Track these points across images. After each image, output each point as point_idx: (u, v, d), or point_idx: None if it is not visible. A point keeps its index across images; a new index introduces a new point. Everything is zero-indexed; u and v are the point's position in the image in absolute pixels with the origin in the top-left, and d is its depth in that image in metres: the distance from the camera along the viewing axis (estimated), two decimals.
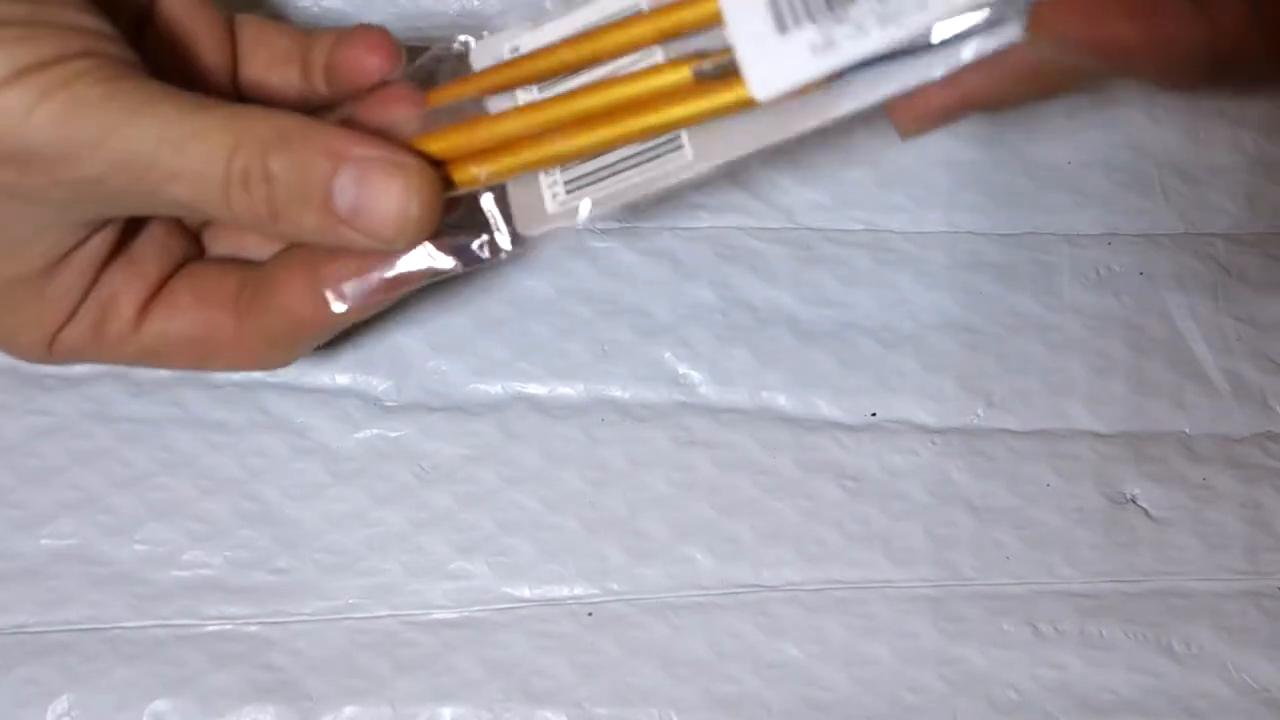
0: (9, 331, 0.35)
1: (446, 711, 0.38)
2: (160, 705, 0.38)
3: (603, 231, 0.44)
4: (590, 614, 0.40)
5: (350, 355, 0.43)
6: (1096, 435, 0.42)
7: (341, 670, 0.38)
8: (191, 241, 0.37)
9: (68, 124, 0.30)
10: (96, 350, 0.36)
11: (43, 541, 0.40)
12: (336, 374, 0.43)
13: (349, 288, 0.34)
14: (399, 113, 0.35)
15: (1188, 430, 0.42)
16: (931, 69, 0.31)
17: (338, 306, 0.34)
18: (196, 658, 0.38)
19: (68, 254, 0.33)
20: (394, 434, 0.42)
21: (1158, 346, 0.43)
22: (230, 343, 0.36)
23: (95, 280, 0.35)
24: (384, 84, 0.36)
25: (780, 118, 0.32)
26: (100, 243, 0.34)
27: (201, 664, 0.38)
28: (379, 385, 0.43)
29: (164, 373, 0.42)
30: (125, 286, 0.35)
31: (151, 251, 0.36)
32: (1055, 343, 0.43)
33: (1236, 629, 0.39)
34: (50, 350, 0.36)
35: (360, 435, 0.42)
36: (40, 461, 0.41)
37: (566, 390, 0.43)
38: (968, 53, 0.31)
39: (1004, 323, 0.43)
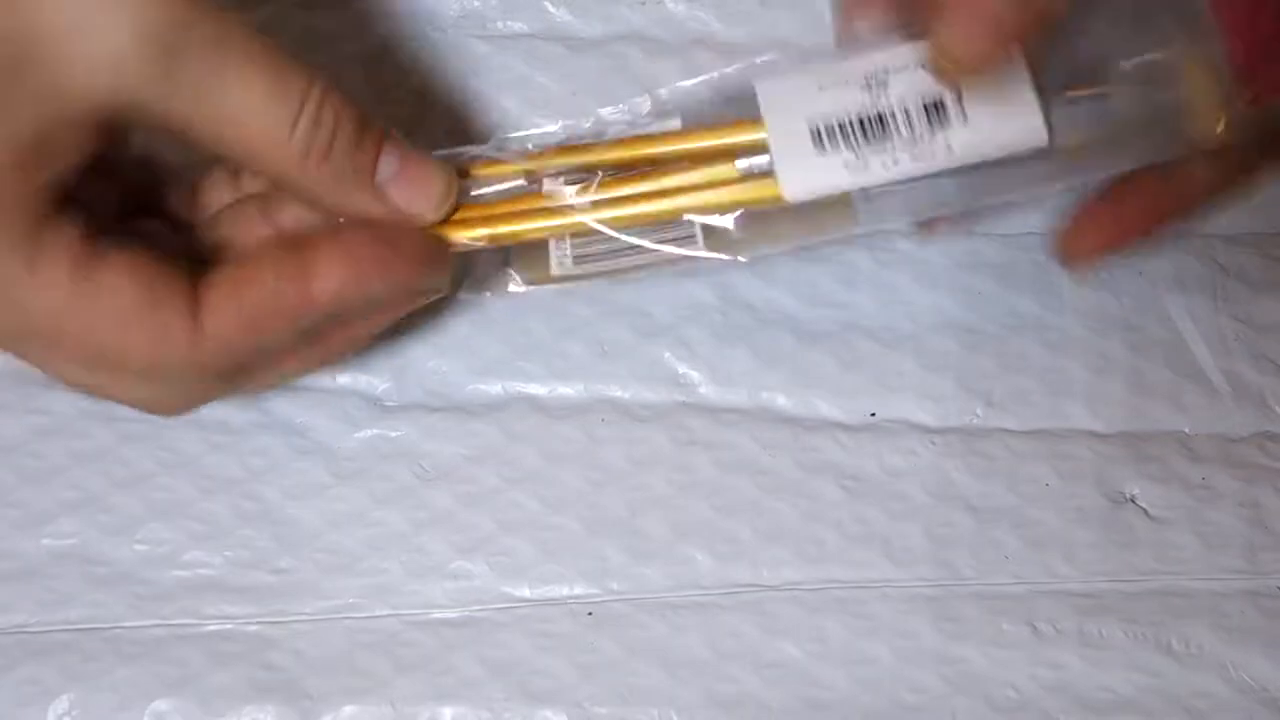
0: None
1: (447, 711, 0.38)
2: (161, 705, 0.38)
3: None
4: (590, 614, 0.40)
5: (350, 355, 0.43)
6: (1096, 435, 0.42)
7: (342, 670, 0.39)
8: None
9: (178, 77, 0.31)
10: None
11: (43, 541, 0.40)
12: (337, 374, 0.43)
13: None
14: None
15: (1187, 430, 0.42)
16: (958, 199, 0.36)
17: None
18: (197, 657, 0.38)
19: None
20: (394, 434, 0.42)
21: (1157, 347, 0.43)
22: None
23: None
24: None
25: (803, 223, 0.37)
26: None
27: (202, 663, 0.38)
28: (379, 385, 0.43)
29: None
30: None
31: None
32: (1054, 343, 0.43)
33: (1235, 628, 0.40)
34: None
35: (360, 435, 0.42)
36: (41, 461, 0.41)
37: (566, 390, 0.43)
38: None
39: (1003, 323, 0.43)
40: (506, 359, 0.43)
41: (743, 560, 0.40)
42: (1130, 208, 0.39)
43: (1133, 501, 0.41)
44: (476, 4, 0.46)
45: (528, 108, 0.45)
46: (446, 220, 0.37)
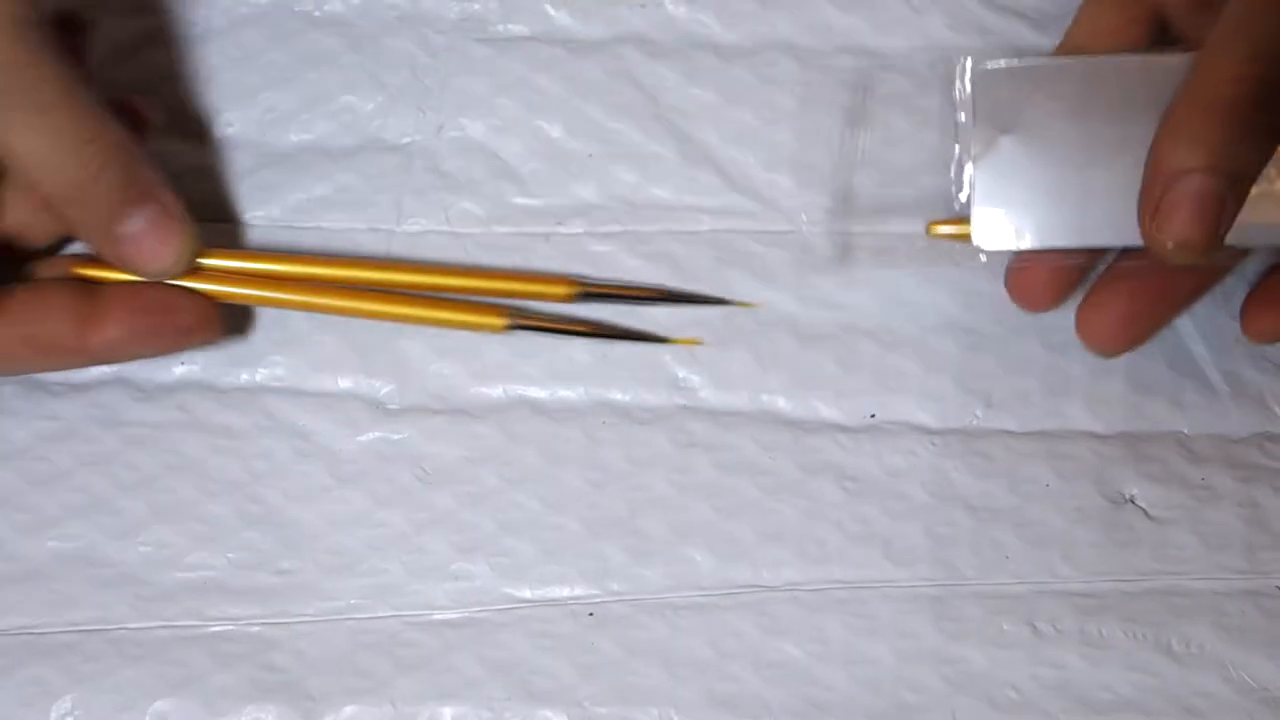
0: None
1: (448, 711, 0.38)
2: (163, 705, 0.38)
3: (604, 235, 0.44)
4: (591, 614, 0.40)
5: (353, 359, 0.43)
6: (1095, 435, 0.42)
7: (343, 670, 0.39)
8: None
9: None
10: None
11: (49, 544, 0.40)
12: (339, 378, 0.43)
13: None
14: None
15: (1186, 430, 0.42)
16: None
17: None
18: (200, 658, 0.39)
19: None
20: (396, 436, 0.42)
21: (1156, 346, 0.43)
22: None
23: None
24: None
25: None
26: None
27: (204, 664, 0.39)
28: (381, 388, 0.43)
29: (170, 378, 0.43)
30: None
31: None
32: (1054, 343, 0.43)
33: (1235, 628, 0.39)
34: None
35: (363, 438, 0.42)
36: (47, 465, 0.41)
37: (567, 393, 0.43)
38: None
39: (1003, 323, 0.43)
40: (507, 362, 0.43)
41: (743, 561, 0.41)
42: (1145, 294, 0.41)
43: (1132, 502, 0.41)
44: (476, 6, 0.46)
45: (528, 111, 0.45)
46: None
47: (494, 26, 0.46)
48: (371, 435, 0.42)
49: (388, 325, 0.43)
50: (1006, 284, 0.42)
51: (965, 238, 0.40)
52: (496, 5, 0.46)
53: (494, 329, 0.42)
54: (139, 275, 0.40)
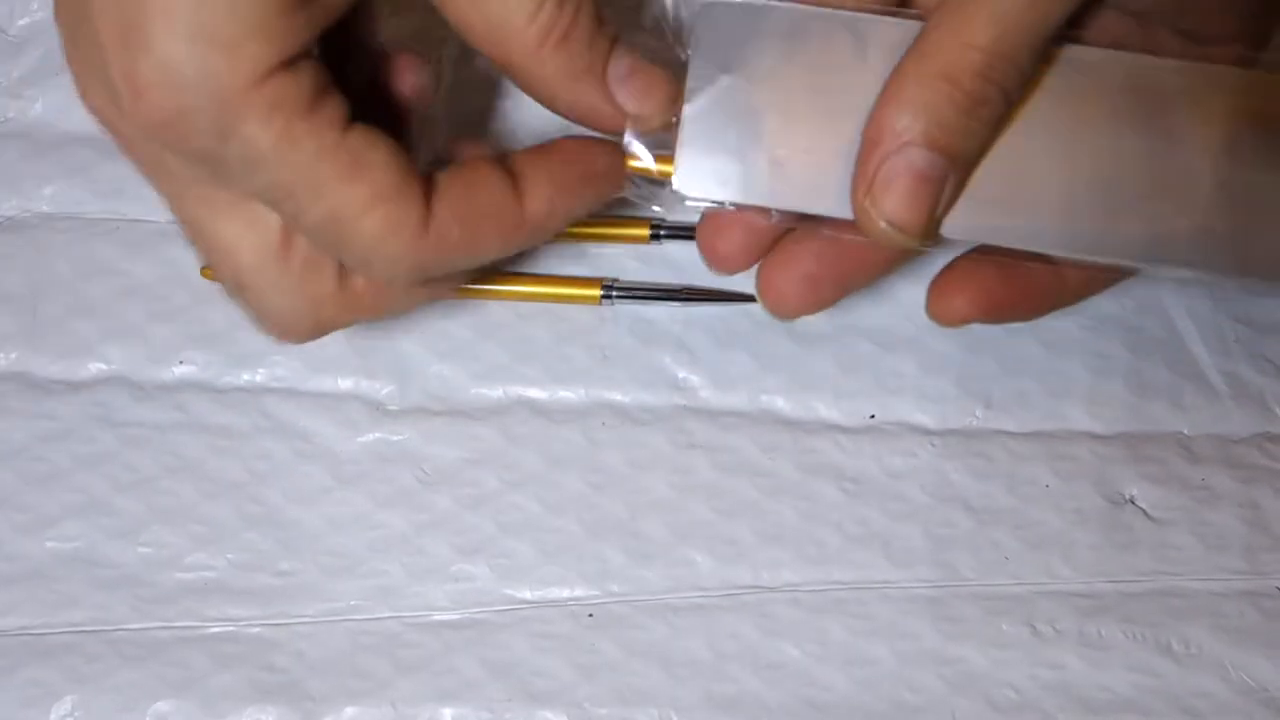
0: None
1: (448, 712, 0.38)
2: (163, 706, 0.38)
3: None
4: (591, 615, 0.40)
5: (353, 360, 0.43)
6: (1095, 436, 0.42)
7: (343, 671, 0.39)
8: None
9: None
10: None
11: (48, 544, 0.40)
12: (340, 378, 0.43)
13: None
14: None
15: (1186, 431, 0.42)
16: None
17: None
18: (199, 659, 0.39)
19: None
20: (396, 438, 0.42)
21: (1156, 347, 0.43)
22: None
23: None
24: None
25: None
26: None
27: (204, 665, 0.39)
28: (382, 389, 0.43)
29: (168, 377, 0.43)
30: None
31: None
32: (1054, 344, 0.43)
33: (1235, 629, 0.40)
34: None
35: (363, 439, 0.42)
36: (46, 465, 0.41)
37: (567, 394, 0.43)
38: None
39: (1003, 324, 0.43)
40: (507, 364, 0.43)
41: (743, 562, 0.41)
42: (833, 259, 0.37)
43: (1132, 502, 0.41)
44: None
45: None
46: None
47: None
48: (372, 436, 0.42)
49: (388, 326, 0.43)
50: (697, 237, 0.38)
51: (666, 178, 0.36)
52: None
53: (589, 301, 0.43)
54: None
